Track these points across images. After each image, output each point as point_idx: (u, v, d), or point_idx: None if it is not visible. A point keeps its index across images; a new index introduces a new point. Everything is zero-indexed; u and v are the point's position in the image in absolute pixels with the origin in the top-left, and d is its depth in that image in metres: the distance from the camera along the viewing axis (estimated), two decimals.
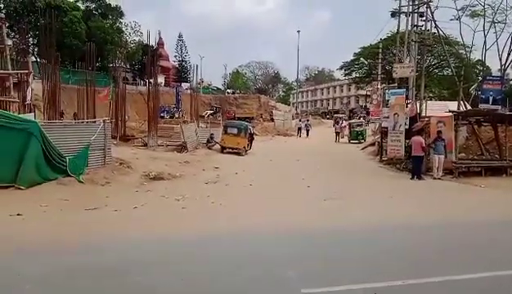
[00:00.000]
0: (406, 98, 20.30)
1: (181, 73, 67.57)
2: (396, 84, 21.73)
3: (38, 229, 8.00)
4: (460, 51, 37.72)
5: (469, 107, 22.19)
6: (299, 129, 43.19)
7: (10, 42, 33.94)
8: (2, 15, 17.44)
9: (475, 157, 19.63)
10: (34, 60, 34.26)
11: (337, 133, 37.61)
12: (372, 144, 27.30)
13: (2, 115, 10.56)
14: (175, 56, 70.66)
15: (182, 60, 70.17)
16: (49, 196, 10.44)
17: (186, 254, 6.72)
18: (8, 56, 15.19)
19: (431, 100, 33.17)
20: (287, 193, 12.74)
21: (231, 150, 23.08)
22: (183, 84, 56.81)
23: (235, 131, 23.52)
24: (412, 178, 15.91)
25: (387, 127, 20.53)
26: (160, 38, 68.46)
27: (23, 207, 9.08)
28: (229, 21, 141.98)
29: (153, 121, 22.48)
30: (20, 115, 12.49)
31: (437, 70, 48.16)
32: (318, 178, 15.94)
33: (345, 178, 16.55)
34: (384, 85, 29.77)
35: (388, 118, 20.74)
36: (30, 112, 13.42)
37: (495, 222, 9.12)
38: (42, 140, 11.26)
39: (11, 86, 14.34)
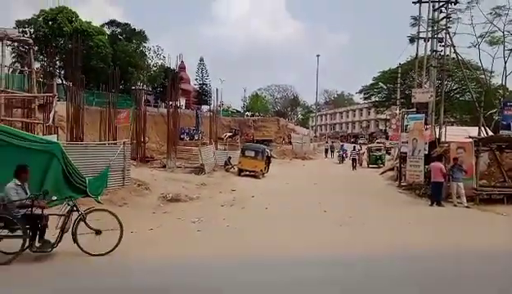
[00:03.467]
0: (425, 123, 20.17)
1: (201, 96, 68.61)
2: (415, 109, 21.65)
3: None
4: (481, 77, 37.36)
5: (490, 133, 21.82)
6: (326, 150, 45.72)
7: (38, 65, 35.40)
8: (31, 41, 18.18)
9: (497, 184, 19.15)
10: (60, 82, 35.55)
11: (353, 160, 33.49)
12: (391, 169, 27.00)
13: (25, 138, 10.90)
14: (196, 79, 71.99)
15: (203, 83, 71.40)
16: None
17: (200, 278, 6.73)
18: (35, 79, 15.79)
19: (452, 125, 32.77)
20: (303, 217, 12.67)
21: (248, 173, 23.16)
22: (203, 107, 57.61)
23: (252, 153, 23.64)
24: (431, 204, 15.61)
25: (406, 152, 20.37)
26: (182, 62, 70.03)
27: None
28: (249, 45, 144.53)
29: (172, 142, 22.85)
30: (43, 136, 12.88)
31: (458, 95, 47.69)
32: (335, 203, 15.82)
33: (362, 203, 16.33)
34: (402, 110, 29.61)
35: (406, 143, 20.60)
36: (53, 133, 13.82)
37: None
38: (64, 161, 11.57)
39: (36, 108, 14.84)
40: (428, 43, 21.89)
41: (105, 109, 23.66)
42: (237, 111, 78.79)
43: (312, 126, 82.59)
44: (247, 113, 74.69)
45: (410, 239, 9.97)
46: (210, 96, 68.24)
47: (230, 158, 24.97)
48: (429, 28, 21.26)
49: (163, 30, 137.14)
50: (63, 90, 32.01)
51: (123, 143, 14.52)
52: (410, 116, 21.11)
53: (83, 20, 44.28)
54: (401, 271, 7.35)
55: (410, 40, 22.48)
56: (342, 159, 38.87)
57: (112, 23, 51.26)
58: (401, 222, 12.35)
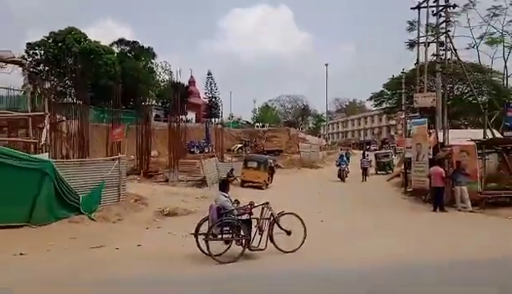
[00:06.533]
0: (429, 127, 19.80)
1: (211, 109, 68.90)
2: (418, 114, 21.30)
3: (33, 269, 8.00)
4: (494, 79, 36.88)
5: (498, 135, 21.26)
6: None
7: (48, 85, 36.15)
8: (24, 62, 18.55)
9: (507, 187, 18.57)
10: (71, 101, 36.13)
11: (364, 169, 29.06)
12: (398, 175, 26.55)
13: (14, 156, 10.97)
14: (205, 93, 72.29)
15: (212, 97, 71.62)
16: (58, 235, 10.58)
17: None
18: (28, 99, 16.07)
19: (467, 127, 32.25)
20: None
21: (251, 184, 22.99)
22: (213, 119, 57.85)
23: (254, 164, 23.51)
24: (434, 210, 15.25)
25: (410, 158, 20.02)
26: (192, 77, 70.74)
27: (29, 247, 9.24)
28: (259, 58, 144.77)
29: (175, 156, 22.88)
30: (35, 155, 12.98)
31: (471, 98, 46.88)
32: (336, 211, 15.62)
33: (365, 210, 16.07)
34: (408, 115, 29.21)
35: (410, 148, 20.26)
36: (44, 152, 13.91)
37: None
38: (56, 179, 11.59)
39: (30, 127, 15.04)
40: (429, 48, 21.61)
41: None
42: (248, 122, 78.90)
43: (324, 135, 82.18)
44: (257, 124, 74.65)
45: (401, 249, 9.61)
46: (219, 109, 68.67)
47: (232, 169, 24.84)
48: (428, 33, 20.98)
49: (171, 47, 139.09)
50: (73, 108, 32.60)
51: (119, 158, 14.54)
52: (412, 121, 20.80)
53: (92, 40, 45.14)
54: (392, 282, 7.09)
55: (409, 45, 22.22)
56: (343, 175, 28.53)
57: (121, 42, 52.12)
58: (399, 229, 12.04)
